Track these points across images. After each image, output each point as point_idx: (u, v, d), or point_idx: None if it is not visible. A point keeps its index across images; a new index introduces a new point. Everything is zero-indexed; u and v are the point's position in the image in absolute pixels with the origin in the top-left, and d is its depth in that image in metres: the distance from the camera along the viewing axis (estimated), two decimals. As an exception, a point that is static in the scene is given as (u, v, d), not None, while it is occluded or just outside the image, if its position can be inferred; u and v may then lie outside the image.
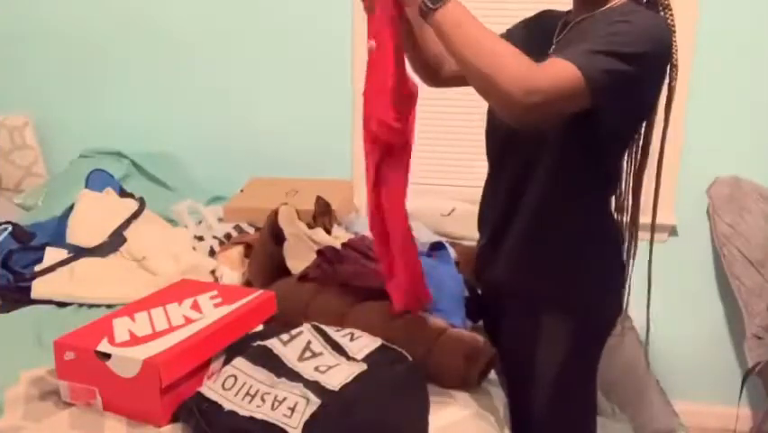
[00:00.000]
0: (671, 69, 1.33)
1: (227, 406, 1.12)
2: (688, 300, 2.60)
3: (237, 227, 2.02)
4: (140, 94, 2.70)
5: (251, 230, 2.01)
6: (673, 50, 1.31)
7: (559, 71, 1.15)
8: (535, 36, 1.43)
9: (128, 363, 1.11)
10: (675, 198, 2.53)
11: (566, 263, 1.37)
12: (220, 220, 2.12)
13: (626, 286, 1.48)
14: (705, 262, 2.58)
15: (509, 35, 1.48)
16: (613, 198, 1.45)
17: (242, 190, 2.34)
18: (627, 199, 1.45)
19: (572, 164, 1.31)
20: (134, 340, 1.16)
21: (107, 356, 1.12)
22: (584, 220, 1.38)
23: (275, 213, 1.65)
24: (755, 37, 2.38)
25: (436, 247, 1.69)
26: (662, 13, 1.33)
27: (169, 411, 1.13)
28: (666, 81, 1.34)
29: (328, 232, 1.79)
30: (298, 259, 1.58)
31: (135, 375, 1.11)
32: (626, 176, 1.44)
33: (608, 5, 1.31)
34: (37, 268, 1.70)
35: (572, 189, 1.33)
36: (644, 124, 1.40)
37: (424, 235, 1.92)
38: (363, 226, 1.91)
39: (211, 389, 1.15)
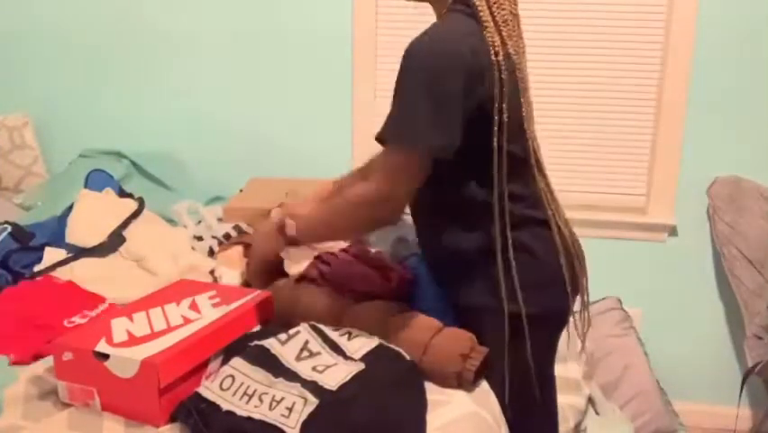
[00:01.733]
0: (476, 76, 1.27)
1: (225, 406, 1.12)
2: (688, 300, 2.60)
3: (236, 227, 2.02)
4: (140, 94, 2.70)
5: (251, 230, 2.00)
6: (463, 49, 1.25)
7: (381, 169, 1.25)
8: None
9: (126, 363, 1.11)
10: (675, 198, 2.53)
11: (461, 273, 1.39)
12: (219, 220, 2.12)
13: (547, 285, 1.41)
14: (705, 262, 2.57)
15: None
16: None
17: (241, 190, 2.34)
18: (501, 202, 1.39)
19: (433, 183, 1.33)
20: (132, 340, 1.16)
21: (105, 357, 1.12)
22: (454, 227, 1.39)
23: (268, 214, 1.65)
24: (755, 37, 2.38)
25: None
26: (464, 16, 1.30)
27: (167, 412, 1.13)
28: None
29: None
30: (296, 261, 1.58)
31: (133, 376, 1.11)
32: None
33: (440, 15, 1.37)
34: (36, 268, 1.70)
35: (441, 205, 1.38)
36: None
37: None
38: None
39: (209, 389, 1.15)
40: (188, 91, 2.68)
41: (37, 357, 1.33)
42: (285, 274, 1.59)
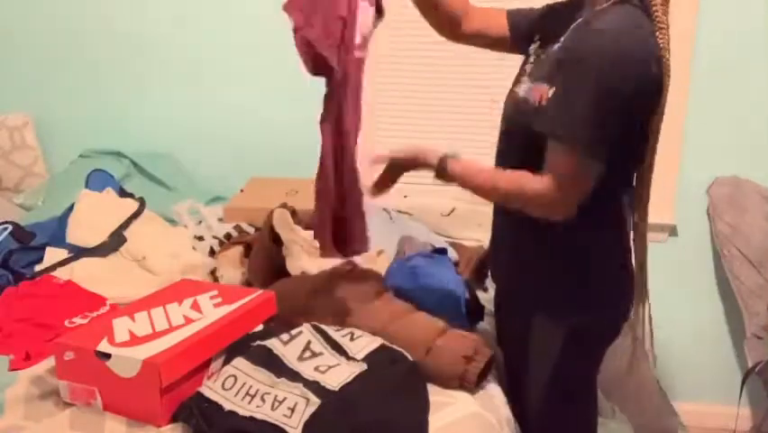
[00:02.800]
0: (656, 79, 1.25)
1: (227, 406, 1.12)
2: (688, 300, 2.60)
3: (237, 227, 2.02)
4: (140, 94, 2.70)
5: (251, 230, 2.00)
6: (651, 57, 1.22)
7: (560, 168, 1.22)
8: (554, 24, 1.38)
9: (128, 363, 1.11)
10: (675, 198, 2.53)
11: (561, 267, 1.37)
12: (220, 220, 2.12)
13: (632, 294, 1.43)
14: (705, 262, 2.57)
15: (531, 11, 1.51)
16: (625, 203, 1.42)
17: (242, 190, 2.34)
18: (635, 208, 1.40)
19: None
20: (134, 340, 1.16)
21: (107, 356, 1.12)
22: (582, 226, 1.33)
23: (272, 214, 1.66)
24: (755, 36, 2.38)
25: (437, 252, 1.69)
26: (643, 14, 1.25)
27: (168, 411, 1.13)
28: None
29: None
30: (298, 261, 1.58)
31: (135, 375, 1.11)
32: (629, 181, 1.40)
33: (601, 6, 1.27)
34: (37, 268, 1.70)
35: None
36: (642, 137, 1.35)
37: (423, 235, 1.91)
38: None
39: (211, 389, 1.15)
40: (189, 91, 2.67)
41: (38, 357, 1.33)
42: (286, 273, 1.60)
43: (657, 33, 1.23)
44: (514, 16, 1.53)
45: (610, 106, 1.17)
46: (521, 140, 1.34)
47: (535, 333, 1.39)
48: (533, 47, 1.42)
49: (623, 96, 1.17)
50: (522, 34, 1.47)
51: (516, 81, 1.41)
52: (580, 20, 1.29)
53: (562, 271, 1.37)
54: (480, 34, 1.56)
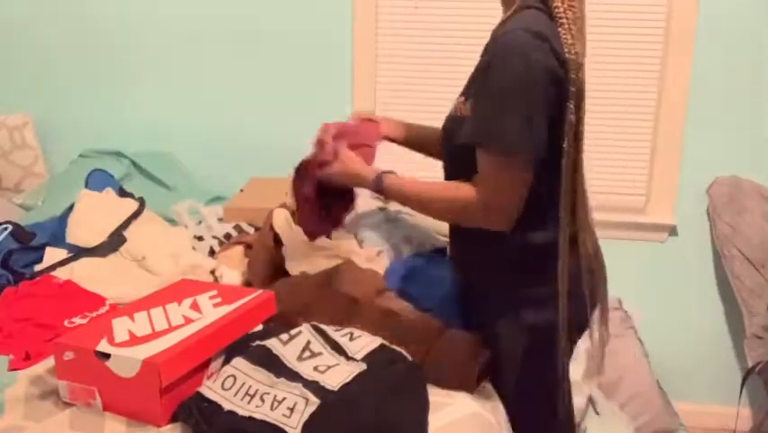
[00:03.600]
0: (562, 88, 1.25)
1: (226, 406, 1.12)
2: (688, 300, 2.60)
3: (237, 227, 2.02)
4: (140, 94, 2.70)
5: (251, 230, 2.00)
6: (549, 53, 1.23)
7: (482, 175, 1.25)
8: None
9: (127, 363, 1.11)
10: (675, 198, 2.53)
11: (502, 278, 1.38)
12: (220, 220, 2.12)
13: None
14: (705, 262, 2.58)
15: None
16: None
17: (242, 190, 2.34)
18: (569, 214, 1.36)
19: None
20: (134, 340, 1.16)
21: (107, 356, 1.12)
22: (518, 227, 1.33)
23: (272, 214, 1.66)
24: (755, 36, 2.38)
25: (437, 252, 1.69)
26: (545, 15, 1.28)
27: (168, 411, 1.13)
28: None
29: (328, 232, 1.79)
30: (298, 262, 1.58)
31: (135, 375, 1.11)
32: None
33: (506, 14, 1.34)
34: (37, 268, 1.70)
35: None
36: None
37: (423, 235, 1.91)
38: (363, 226, 1.90)
39: (210, 389, 1.15)
40: (189, 91, 2.68)
41: (38, 357, 1.33)
42: (286, 273, 1.59)
43: (560, 30, 1.25)
44: None
45: (510, 104, 1.20)
46: (450, 156, 1.42)
47: (491, 339, 1.38)
48: None
49: (518, 93, 1.20)
50: None
51: None
52: (492, 33, 1.37)
53: (508, 272, 1.37)
54: None
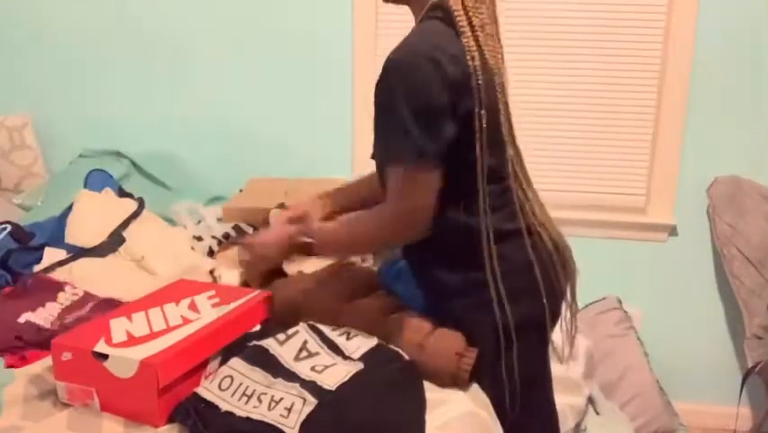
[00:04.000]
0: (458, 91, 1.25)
1: (224, 407, 1.12)
2: (688, 300, 2.60)
3: (236, 227, 2.02)
4: (140, 94, 2.70)
5: (250, 230, 2.00)
6: (429, 59, 1.23)
7: (390, 188, 1.27)
8: None
9: (125, 363, 1.11)
10: (675, 198, 2.53)
11: (437, 278, 1.37)
12: (219, 220, 2.12)
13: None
14: (705, 262, 2.57)
15: None
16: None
17: (241, 190, 2.34)
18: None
19: None
20: (132, 340, 1.16)
21: (104, 357, 1.12)
22: (441, 235, 1.33)
23: (267, 215, 1.66)
24: (755, 36, 2.38)
25: None
26: (439, 23, 1.28)
27: (166, 412, 1.13)
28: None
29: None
30: (295, 262, 1.58)
31: (132, 376, 1.11)
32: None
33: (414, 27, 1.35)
34: (36, 268, 1.70)
35: None
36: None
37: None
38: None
39: (208, 389, 1.15)
40: (188, 91, 2.68)
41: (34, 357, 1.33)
42: (284, 274, 1.60)
43: (462, 38, 1.26)
44: None
45: (417, 113, 1.21)
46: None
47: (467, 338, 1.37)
48: None
49: (423, 101, 1.22)
50: None
51: None
52: None
53: (439, 283, 1.36)
54: None
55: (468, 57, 1.25)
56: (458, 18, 1.26)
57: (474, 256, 1.31)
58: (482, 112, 1.26)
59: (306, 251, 1.45)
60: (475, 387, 1.32)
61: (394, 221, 1.29)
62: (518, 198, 1.36)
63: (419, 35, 1.28)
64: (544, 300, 1.35)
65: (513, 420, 1.36)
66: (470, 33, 1.26)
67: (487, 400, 1.32)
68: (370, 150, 1.37)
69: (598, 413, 2.15)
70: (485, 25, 1.29)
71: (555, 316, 1.41)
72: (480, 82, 1.25)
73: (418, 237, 1.31)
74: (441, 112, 1.23)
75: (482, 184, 1.30)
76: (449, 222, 1.32)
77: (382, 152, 1.30)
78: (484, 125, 1.26)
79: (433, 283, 1.38)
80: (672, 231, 2.56)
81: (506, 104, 1.35)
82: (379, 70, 1.31)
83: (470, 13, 1.27)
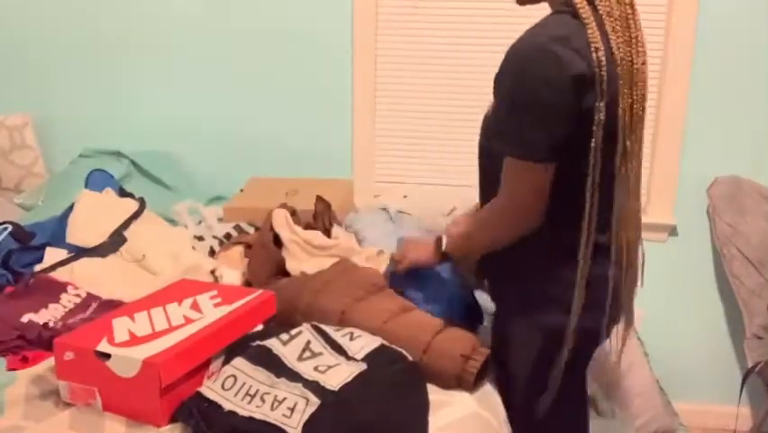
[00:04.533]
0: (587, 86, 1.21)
1: (227, 406, 1.12)
2: (688, 300, 2.60)
3: (237, 227, 2.02)
4: (140, 94, 2.70)
5: (251, 230, 2.01)
6: (571, 53, 1.19)
7: (506, 179, 1.28)
8: None
9: (128, 363, 1.11)
10: (675, 198, 2.53)
11: (526, 275, 1.37)
12: (220, 220, 2.12)
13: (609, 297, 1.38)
14: (705, 262, 2.57)
15: None
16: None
17: (242, 190, 2.34)
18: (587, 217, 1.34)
19: None
20: (134, 340, 1.16)
21: (107, 356, 1.12)
22: (566, 226, 1.31)
23: (272, 214, 1.66)
24: (755, 36, 2.38)
25: None
26: (568, 16, 1.25)
27: (168, 411, 1.13)
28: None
29: (328, 231, 1.79)
30: (298, 262, 1.58)
31: (135, 375, 1.11)
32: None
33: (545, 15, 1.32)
34: (37, 268, 1.70)
35: None
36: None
37: (423, 235, 1.91)
38: (363, 225, 1.90)
39: (211, 389, 1.15)
40: (189, 91, 2.68)
41: (35, 358, 1.33)
42: (286, 273, 1.60)
43: (587, 30, 1.22)
44: None
45: (529, 108, 1.21)
46: (481, 151, 1.42)
47: (514, 336, 1.39)
48: None
49: (537, 96, 1.20)
50: None
51: None
52: None
53: (545, 270, 1.35)
54: None
55: (592, 48, 1.20)
56: (579, 8, 1.23)
57: (558, 261, 1.33)
58: (601, 105, 1.21)
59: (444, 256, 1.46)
60: (480, 389, 1.32)
61: (505, 213, 1.30)
62: (616, 210, 1.31)
63: (542, 27, 1.25)
64: (605, 316, 1.35)
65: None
66: (594, 24, 1.22)
67: (492, 403, 1.32)
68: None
69: (598, 413, 2.15)
70: (612, 15, 1.23)
71: (609, 331, 1.42)
72: (603, 74, 1.20)
73: (526, 231, 1.30)
74: (558, 108, 1.20)
75: (591, 191, 1.26)
76: (556, 226, 1.32)
77: (498, 141, 1.29)
78: (602, 118, 1.21)
79: (516, 267, 1.38)
80: (672, 231, 2.56)
81: (633, 99, 1.26)
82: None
83: (596, 2, 1.23)
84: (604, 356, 2.05)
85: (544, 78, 1.19)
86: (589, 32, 1.21)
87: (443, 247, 1.43)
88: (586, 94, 1.20)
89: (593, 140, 1.22)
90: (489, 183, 1.38)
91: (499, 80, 1.26)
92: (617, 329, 1.45)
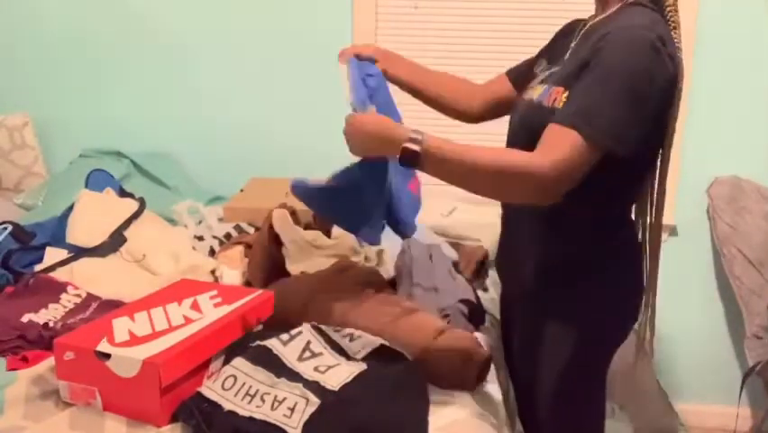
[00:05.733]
0: (671, 79, 1.23)
1: (227, 406, 1.12)
2: (688, 300, 2.60)
3: (237, 227, 2.02)
4: (140, 93, 2.70)
5: (251, 230, 2.01)
6: (666, 58, 1.20)
7: (558, 148, 1.16)
8: (558, 45, 1.45)
9: (128, 363, 1.11)
10: (675, 198, 2.53)
11: (573, 274, 1.36)
12: (220, 220, 2.12)
13: (642, 306, 1.42)
14: (705, 262, 2.58)
15: (538, 56, 1.53)
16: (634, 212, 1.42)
17: (242, 190, 2.34)
18: (648, 215, 1.39)
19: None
20: (134, 340, 1.16)
21: (107, 356, 1.12)
22: (597, 233, 1.34)
23: (272, 214, 1.66)
24: (755, 36, 2.38)
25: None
26: (658, 14, 1.26)
27: (168, 411, 1.13)
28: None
29: (328, 231, 1.79)
30: (298, 262, 1.58)
31: (135, 375, 1.11)
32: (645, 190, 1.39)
33: (612, 9, 1.30)
34: (37, 268, 1.70)
35: (581, 200, 1.24)
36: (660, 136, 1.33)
37: (423, 235, 1.91)
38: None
39: (211, 389, 1.15)
40: (189, 91, 2.68)
41: (35, 359, 1.33)
42: (286, 273, 1.60)
43: (672, 33, 1.23)
44: (513, 72, 1.58)
45: (630, 102, 1.17)
46: (524, 143, 1.28)
47: (544, 337, 1.38)
48: (539, 67, 1.45)
49: (642, 93, 1.18)
50: (527, 79, 1.47)
51: (527, 90, 1.42)
52: (587, 26, 1.34)
53: (588, 270, 1.35)
54: (494, 107, 1.59)
55: (679, 54, 1.22)
56: (671, 14, 1.24)
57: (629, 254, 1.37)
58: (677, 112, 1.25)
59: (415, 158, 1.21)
60: (481, 389, 1.32)
61: (542, 181, 1.15)
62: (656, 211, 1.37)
63: (645, 22, 1.21)
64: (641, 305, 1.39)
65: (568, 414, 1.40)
66: (679, 30, 1.23)
67: (492, 403, 1.32)
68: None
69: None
70: (679, 22, 1.25)
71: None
72: (680, 85, 1.23)
73: (546, 202, 1.20)
74: (652, 108, 1.20)
75: (659, 189, 1.32)
76: (606, 225, 1.35)
77: (580, 116, 1.17)
78: (675, 128, 1.27)
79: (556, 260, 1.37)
80: (672, 231, 2.57)
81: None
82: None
83: (675, 8, 1.25)
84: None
85: (652, 77, 1.18)
86: (676, 36, 1.23)
87: (423, 143, 1.20)
88: (672, 99, 1.24)
89: (665, 141, 1.29)
90: None
91: (604, 63, 1.18)
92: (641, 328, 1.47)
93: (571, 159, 1.16)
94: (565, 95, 1.23)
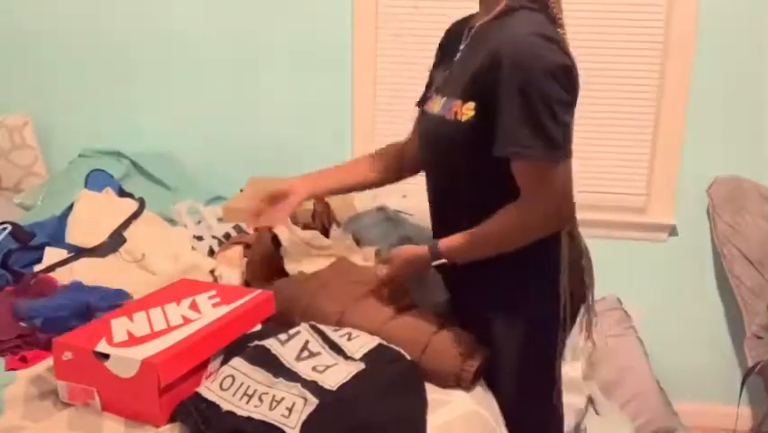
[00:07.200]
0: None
1: (225, 406, 1.12)
2: (688, 300, 2.60)
3: (237, 227, 2.02)
4: (140, 94, 2.70)
5: (251, 230, 2.00)
6: (560, 51, 1.24)
7: (538, 185, 1.24)
8: (447, 51, 1.48)
9: (126, 363, 1.11)
10: (675, 198, 2.53)
11: (491, 274, 1.37)
12: (219, 220, 2.12)
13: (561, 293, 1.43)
14: (705, 262, 2.58)
15: (433, 68, 1.56)
16: None
17: (241, 190, 2.34)
18: None
19: (487, 177, 1.33)
20: (133, 340, 1.16)
21: (106, 356, 1.12)
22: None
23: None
24: (755, 36, 2.38)
25: None
26: (542, 15, 1.29)
27: (167, 411, 1.13)
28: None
29: (326, 231, 1.79)
30: (297, 262, 1.58)
31: (133, 375, 1.11)
32: None
33: (495, 11, 1.33)
34: (36, 268, 1.70)
35: (490, 198, 1.31)
36: None
37: (422, 235, 1.91)
38: (361, 225, 1.90)
39: (209, 389, 1.15)
40: (189, 91, 2.68)
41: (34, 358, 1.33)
42: (285, 274, 1.60)
43: (558, 30, 1.28)
44: (421, 102, 1.60)
45: (548, 108, 1.20)
46: (437, 159, 1.40)
47: (491, 335, 1.39)
48: (435, 72, 1.51)
49: (558, 93, 1.21)
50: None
51: (428, 101, 1.46)
52: (474, 29, 1.37)
53: (513, 265, 1.36)
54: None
55: (569, 50, 1.27)
56: (558, 14, 1.29)
57: (538, 253, 1.35)
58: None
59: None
60: (479, 388, 1.32)
61: (553, 219, 1.29)
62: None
63: (536, 24, 1.25)
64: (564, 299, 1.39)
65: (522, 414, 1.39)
66: (563, 27, 1.29)
67: (490, 401, 1.32)
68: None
69: (597, 413, 2.15)
70: (564, 22, 1.31)
71: (575, 316, 1.45)
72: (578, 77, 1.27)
73: (565, 224, 1.33)
74: (569, 108, 1.25)
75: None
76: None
77: (535, 146, 1.21)
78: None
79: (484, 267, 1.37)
80: (672, 231, 2.57)
81: None
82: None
83: (558, 8, 1.31)
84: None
85: (551, 73, 1.20)
86: (564, 34, 1.28)
87: (440, 251, 1.35)
88: (575, 83, 1.26)
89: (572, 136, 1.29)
90: (446, 202, 1.42)
91: (507, 81, 1.20)
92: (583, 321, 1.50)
93: (553, 185, 1.24)
94: (467, 106, 1.28)
